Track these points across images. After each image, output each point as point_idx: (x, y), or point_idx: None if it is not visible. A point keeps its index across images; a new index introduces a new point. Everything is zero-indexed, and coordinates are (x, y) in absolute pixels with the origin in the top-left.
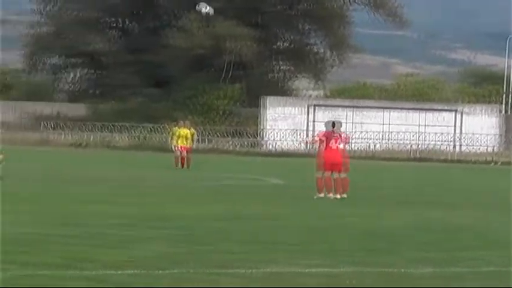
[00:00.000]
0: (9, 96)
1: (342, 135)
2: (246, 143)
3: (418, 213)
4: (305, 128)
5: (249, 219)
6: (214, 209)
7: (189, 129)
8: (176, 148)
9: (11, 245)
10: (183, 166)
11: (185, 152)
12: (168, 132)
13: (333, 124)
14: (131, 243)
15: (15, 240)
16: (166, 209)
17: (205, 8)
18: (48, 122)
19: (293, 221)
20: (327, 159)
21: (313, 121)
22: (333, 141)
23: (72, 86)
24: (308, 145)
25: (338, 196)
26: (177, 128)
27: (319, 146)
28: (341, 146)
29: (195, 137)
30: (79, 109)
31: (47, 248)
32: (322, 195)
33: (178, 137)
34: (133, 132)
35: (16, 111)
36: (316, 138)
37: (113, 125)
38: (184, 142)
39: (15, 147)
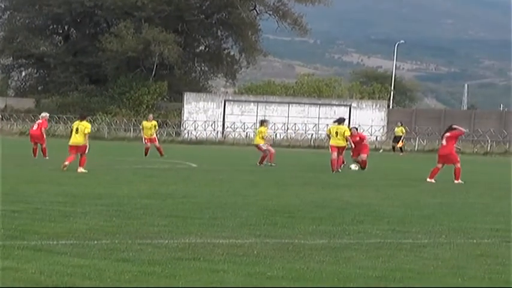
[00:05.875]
0: None
1: None
2: (169, 132)
3: (315, 193)
4: (220, 119)
5: (170, 197)
6: (141, 189)
7: (151, 122)
8: (146, 140)
9: None
10: (146, 155)
11: (150, 142)
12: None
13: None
14: (69, 218)
15: None
16: (100, 189)
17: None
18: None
19: (207, 198)
20: None
21: (226, 114)
22: None
23: (21, 83)
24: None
25: None
26: (145, 122)
27: None
28: None
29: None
30: (26, 103)
31: None
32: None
33: (144, 129)
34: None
35: None
36: None
37: (55, 117)
38: (149, 133)
39: None
